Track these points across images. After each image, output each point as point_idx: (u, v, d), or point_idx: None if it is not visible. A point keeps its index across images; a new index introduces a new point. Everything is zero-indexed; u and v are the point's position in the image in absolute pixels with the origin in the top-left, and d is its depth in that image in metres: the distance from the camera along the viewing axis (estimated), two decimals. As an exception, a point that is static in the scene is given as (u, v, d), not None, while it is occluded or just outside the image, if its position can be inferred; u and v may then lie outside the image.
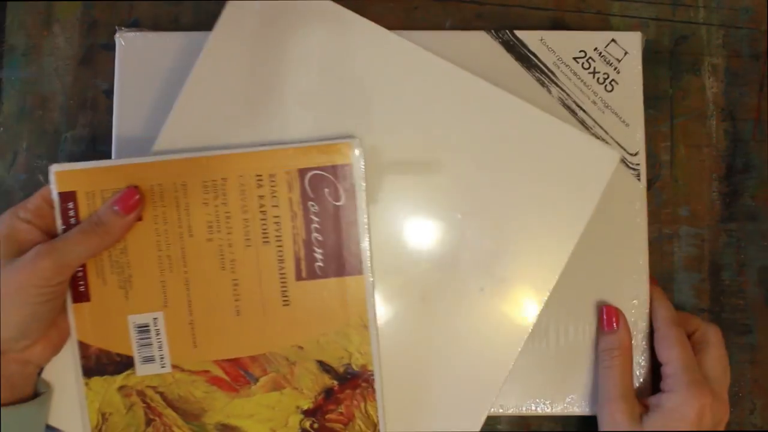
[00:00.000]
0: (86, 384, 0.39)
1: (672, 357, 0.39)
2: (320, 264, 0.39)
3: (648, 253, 0.43)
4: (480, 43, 0.44)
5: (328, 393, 0.40)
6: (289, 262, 0.39)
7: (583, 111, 0.44)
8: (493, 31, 0.44)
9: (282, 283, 0.39)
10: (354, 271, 0.39)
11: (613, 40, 0.44)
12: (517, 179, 0.42)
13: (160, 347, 0.39)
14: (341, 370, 0.40)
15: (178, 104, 0.41)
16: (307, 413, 0.40)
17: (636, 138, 0.44)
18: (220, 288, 0.39)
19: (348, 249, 0.39)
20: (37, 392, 0.38)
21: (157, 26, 0.46)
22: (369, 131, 0.41)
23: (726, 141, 0.47)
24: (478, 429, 0.40)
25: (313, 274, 0.39)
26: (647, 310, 0.43)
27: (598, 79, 0.44)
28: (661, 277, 0.46)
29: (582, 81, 0.44)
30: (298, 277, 0.39)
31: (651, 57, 0.47)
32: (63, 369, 0.40)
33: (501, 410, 0.43)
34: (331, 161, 0.39)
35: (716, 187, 0.47)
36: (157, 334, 0.39)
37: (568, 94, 0.44)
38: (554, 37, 0.44)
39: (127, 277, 0.39)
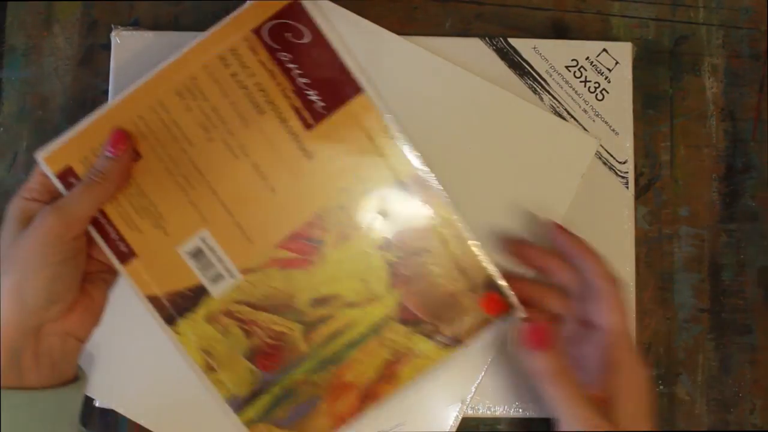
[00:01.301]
0: (175, 332, 0.39)
1: (614, 322, 0.37)
2: (321, 104, 0.38)
3: (635, 260, 0.44)
4: (474, 50, 0.45)
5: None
6: (292, 119, 0.38)
7: (574, 119, 0.45)
8: (487, 38, 0.45)
9: (296, 140, 0.38)
10: (353, 92, 0.38)
11: (604, 49, 0.45)
12: (496, 165, 0.44)
13: (221, 261, 0.39)
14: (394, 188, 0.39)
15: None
16: (383, 247, 0.39)
17: (625, 146, 0.45)
18: (243, 177, 0.39)
19: (337, 76, 0.38)
20: (77, 376, 0.37)
21: (157, 26, 0.46)
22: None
23: (726, 141, 0.47)
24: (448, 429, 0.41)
25: (318, 117, 0.38)
26: (633, 315, 0.44)
27: (589, 87, 0.45)
28: (661, 277, 0.46)
29: (573, 89, 0.45)
30: (307, 126, 0.38)
31: (651, 57, 0.47)
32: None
33: (489, 412, 0.43)
34: (275, 7, 0.38)
35: (716, 187, 0.46)
36: (212, 251, 0.39)
37: (559, 102, 0.45)
38: (547, 45, 0.45)
39: (158, 215, 0.38)
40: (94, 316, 0.38)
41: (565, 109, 0.45)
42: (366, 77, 0.38)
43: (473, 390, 0.43)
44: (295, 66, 0.38)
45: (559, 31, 0.47)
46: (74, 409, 0.37)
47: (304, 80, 0.38)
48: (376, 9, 0.45)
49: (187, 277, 0.39)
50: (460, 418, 0.43)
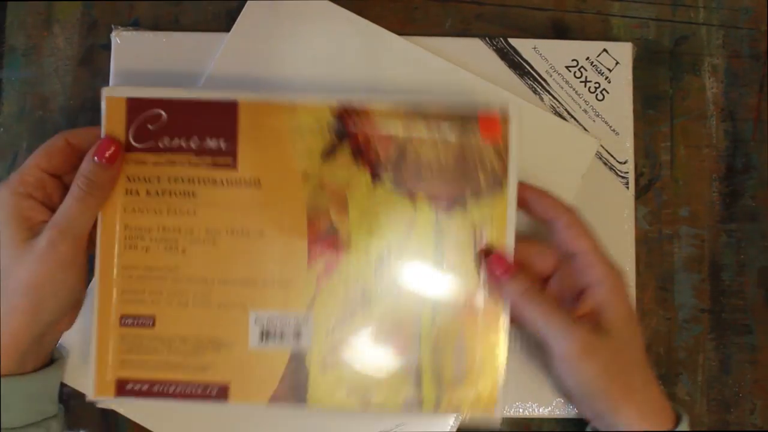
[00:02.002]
0: (314, 408, 0.38)
1: (588, 246, 0.38)
2: (223, 144, 0.38)
3: (635, 260, 0.44)
4: (474, 50, 0.45)
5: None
6: (215, 172, 0.38)
7: (574, 119, 0.45)
8: (487, 38, 0.45)
9: (235, 185, 0.38)
10: (233, 110, 0.38)
11: (604, 49, 0.45)
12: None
13: (284, 321, 0.38)
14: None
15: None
16: (377, 178, 0.38)
17: (625, 146, 0.45)
18: (227, 249, 0.38)
19: (207, 111, 0.38)
20: (53, 357, 0.40)
21: (157, 27, 0.46)
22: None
23: (726, 141, 0.47)
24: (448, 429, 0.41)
25: (231, 152, 0.38)
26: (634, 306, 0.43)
27: (589, 88, 0.45)
28: (661, 277, 0.46)
29: (573, 89, 0.45)
30: (233, 167, 0.38)
31: (651, 57, 0.47)
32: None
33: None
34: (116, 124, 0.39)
35: (716, 187, 0.46)
36: (271, 321, 0.38)
37: (559, 102, 0.45)
38: (547, 45, 0.45)
39: (210, 341, 0.38)
40: (80, 307, 0.40)
41: (566, 110, 0.45)
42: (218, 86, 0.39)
43: None
44: (179, 139, 0.38)
45: (560, 31, 0.47)
46: (56, 386, 0.40)
47: (194, 141, 0.38)
48: (375, 9, 0.45)
49: (278, 359, 0.38)
50: (460, 418, 0.43)
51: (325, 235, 0.38)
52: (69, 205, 0.36)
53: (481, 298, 0.38)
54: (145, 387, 0.38)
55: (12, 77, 0.46)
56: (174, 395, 0.38)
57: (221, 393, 0.38)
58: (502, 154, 0.38)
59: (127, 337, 0.38)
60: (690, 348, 0.46)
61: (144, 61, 0.44)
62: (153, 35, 0.44)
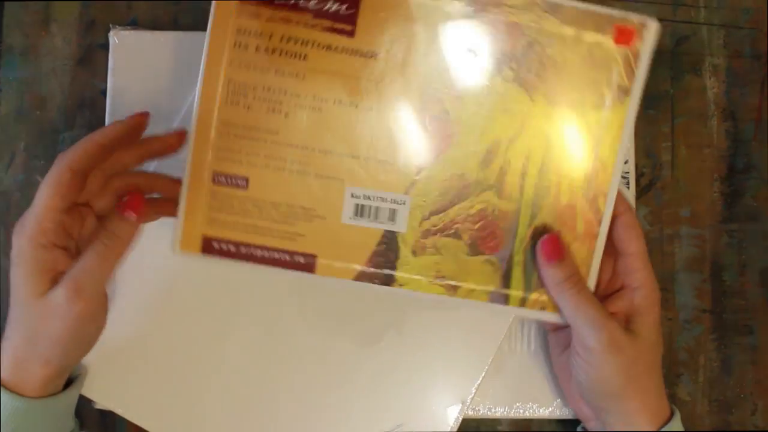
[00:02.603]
0: (400, 286, 0.38)
1: (638, 249, 0.38)
2: (343, 7, 0.36)
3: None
4: None
5: None
6: (333, 40, 0.37)
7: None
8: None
9: (351, 53, 0.37)
10: None
11: None
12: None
13: (382, 200, 0.38)
14: None
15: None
16: (498, 72, 0.37)
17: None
18: (337, 118, 0.37)
19: None
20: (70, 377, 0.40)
21: (155, 26, 0.46)
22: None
23: (727, 141, 0.47)
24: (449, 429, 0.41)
25: (351, 19, 0.37)
26: None
27: None
28: (662, 278, 0.45)
29: None
30: (350, 34, 0.37)
31: (652, 57, 0.46)
32: None
33: (489, 412, 0.43)
34: None
35: (717, 187, 0.46)
36: (368, 198, 0.38)
37: None
38: None
39: (304, 210, 0.38)
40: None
41: None
42: None
43: (473, 391, 0.43)
44: None
45: (560, 30, 0.46)
46: (75, 401, 0.39)
47: (312, 2, 0.36)
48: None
49: (370, 236, 0.38)
50: (461, 418, 0.43)
51: (436, 119, 0.37)
52: (89, 259, 0.35)
53: (584, 203, 0.38)
54: (232, 248, 0.37)
55: (9, 77, 0.46)
56: (260, 260, 0.38)
57: (308, 263, 0.38)
58: (632, 63, 0.37)
59: (218, 195, 0.37)
60: (691, 348, 0.45)
61: (142, 60, 0.44)
62: (151, 35, 0.44)
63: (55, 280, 0.35)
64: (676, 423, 0.38)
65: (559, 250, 0.37)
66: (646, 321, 0.38)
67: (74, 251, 0.36)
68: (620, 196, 0.38)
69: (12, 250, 0.35)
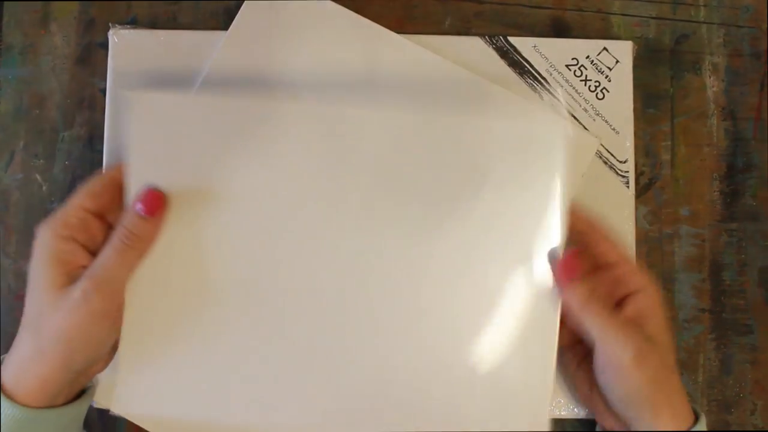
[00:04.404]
0: None
1: (619, 257, 0.39)
2: None
3: (635, 259, 0.44)
4: (474, 48, 0.44)
5: None
6: None
7: (574, 118, 0.44)
8: (487, 37, 0.44)
9: None
10: None
11: (605, 48, 0.45)
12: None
13: None
14: None
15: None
16: None
17: (625, 145, 0.45)
18: None
19: None
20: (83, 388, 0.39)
21: (155, 25, 0.46)
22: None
23: (727, 140, 0.47)
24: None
25: None
26: None
27: (589, 86, 0.45)
28: (661, 277, 0.45)
29: (574, 88, 0.45)
30: None
31: (651, 56, 0.46)
32: None
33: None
34: None
35: (717, 186, 0.46)
36: None
37: (559, 101, 0.44)
38: (547, 44, 0.45)
39: None
40: (115, 351, 0.39)
41: (566, 108, 0.44)
42: None
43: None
44: None
45: (560, 29, 0.46)
46: (85, 412, 0.39)
47: None
48: (375, 8, 0.45)
49: None
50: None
51: None
52: (107, 256, 0.35)
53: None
54: None
55: (9, 75, 0.46)
56: None
57: None
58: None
59: None
60: (690, 348, 0.45)
61: (142, 59, 0.44)
62: (151, 34, 0.44)
63: (72, 276, 0.35)
64: (702, 424, 0.37)
65: (575, 268, 0.37)
66: (656, 323, 0.38)
67: (94, 253, 0.36)
68: (587, 216, 0.39)
69: (34, 241, 0.35)
